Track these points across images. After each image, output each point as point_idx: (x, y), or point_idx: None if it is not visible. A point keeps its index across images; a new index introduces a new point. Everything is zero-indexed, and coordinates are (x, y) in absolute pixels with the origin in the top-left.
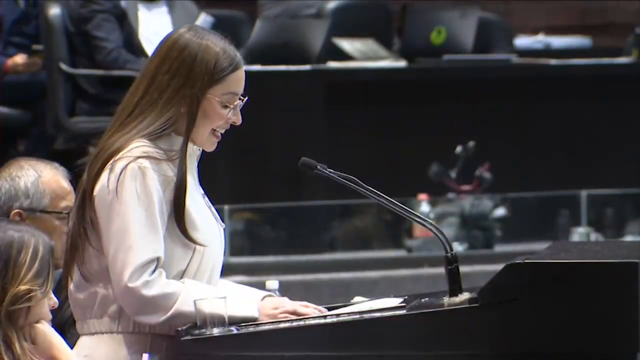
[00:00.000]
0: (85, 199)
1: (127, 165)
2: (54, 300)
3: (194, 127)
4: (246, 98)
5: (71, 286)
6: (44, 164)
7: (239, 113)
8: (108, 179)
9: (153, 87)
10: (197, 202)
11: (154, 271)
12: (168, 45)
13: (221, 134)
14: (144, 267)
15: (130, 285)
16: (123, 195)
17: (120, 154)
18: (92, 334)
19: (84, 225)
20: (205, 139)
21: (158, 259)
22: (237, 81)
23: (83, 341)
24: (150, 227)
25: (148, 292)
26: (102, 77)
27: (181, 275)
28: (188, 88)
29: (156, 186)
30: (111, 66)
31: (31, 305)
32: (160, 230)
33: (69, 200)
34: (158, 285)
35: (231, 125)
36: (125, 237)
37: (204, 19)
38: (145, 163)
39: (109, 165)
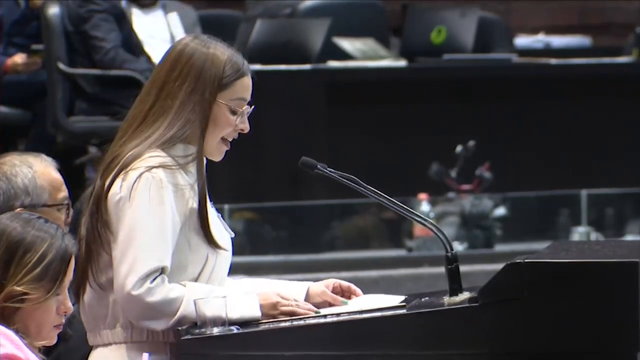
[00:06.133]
0: (100, 206)
1: (141, 174)
2: (65, 307)
3: (206, 133)
4: (252, 107)
5: (85, 297)
6: (32, 157)
7: (247, 120)
8: (121, 187)
9: (164, 94)
10: (209, 208)
11: (155, 278)
12: (176, 54)
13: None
14: (148, 276)
15: (134, 293)
16: (135, 203)
17: (134, 163)
18: (107, 344)
19: (98, 231)
20: (214, 148)
21: (163, 268)
22: (245, 87)
23: (99, 352)
24: (159, 236)
25: (151, 298)
26: (100, 76)
27: (195, 280)
28: (199, 93)
29: (169, 197)
30: (109, 66)
31: (23, 306)
32: (169, 241)
33: (64, 190)
34: (161, 291)
35: (239, 133)
36: (133, 244)
37: None
38: (160, 173)
39: (122, 174)
